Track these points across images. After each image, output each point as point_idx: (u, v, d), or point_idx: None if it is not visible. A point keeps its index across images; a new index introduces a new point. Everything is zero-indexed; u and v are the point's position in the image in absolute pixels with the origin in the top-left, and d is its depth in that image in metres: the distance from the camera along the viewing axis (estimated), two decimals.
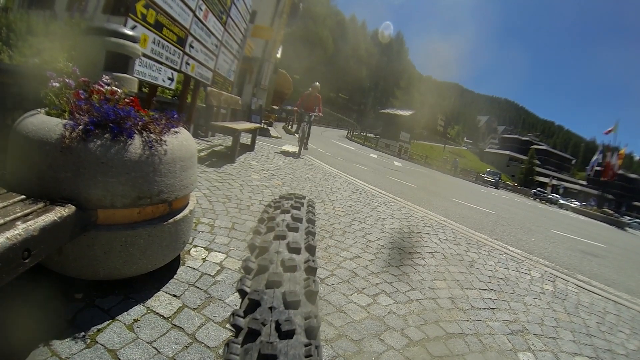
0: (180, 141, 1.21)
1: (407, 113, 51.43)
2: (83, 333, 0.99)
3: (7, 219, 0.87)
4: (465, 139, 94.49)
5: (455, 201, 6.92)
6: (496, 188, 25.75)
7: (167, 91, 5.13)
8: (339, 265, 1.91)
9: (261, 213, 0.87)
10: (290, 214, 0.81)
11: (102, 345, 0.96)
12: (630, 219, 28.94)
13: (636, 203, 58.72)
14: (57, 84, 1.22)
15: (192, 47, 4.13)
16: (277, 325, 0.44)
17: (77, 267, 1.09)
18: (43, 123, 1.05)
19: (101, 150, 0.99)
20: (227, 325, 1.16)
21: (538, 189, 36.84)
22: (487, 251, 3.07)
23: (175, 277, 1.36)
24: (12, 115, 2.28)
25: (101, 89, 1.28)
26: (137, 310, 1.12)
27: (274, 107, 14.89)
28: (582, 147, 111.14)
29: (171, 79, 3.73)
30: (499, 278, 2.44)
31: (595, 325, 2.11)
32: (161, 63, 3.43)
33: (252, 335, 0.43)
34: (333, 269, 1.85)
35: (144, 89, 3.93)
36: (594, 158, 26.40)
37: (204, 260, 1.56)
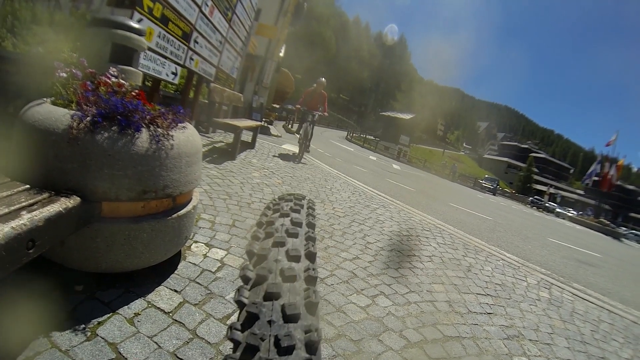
0: (187, 136, 1.21)
1: (407, 116, 51.53)
2: (83, 325, 0.99)
3: (12, 208, 0.87)
4: (464, 145, 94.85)
5: (453, 206, 6.95)
6: (494, 194, 25.88)
7: (170, 86, 5.12)
8: (339, 266, 1.92)
9: (260, 216, 0.85)
10: (289, 218, 0.79)
11: (103, 338, 0.96)
12: (626, 230, 29.19)
13: (633, 214, 59.21)
14: (65, 75, 1.21)
15: (197, 43, 4.13)
16: (277, 341, 0.42)
17: (79, 258, 1.08)
18: (50, 113, 1.05)
19: (108, 142, 0.99)
20: (228, 322, 1.16)
21: (535, 197, 37.07)
22: (485, 257, 3.09)
23: (176, 272, 1.36)
24: (14, 104, 2.27)
25: (108, 81, 1.27)
26: (137, 304, 1.12)
27: (275, 105, 14.88)
28: (580, 156, 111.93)
29: (175, 74, 3.72)
30: (496, 283, 2.45)
31: (590, 333, 2.13)
32: (165, 57, 3.43)
33: (251, 350, 0.42)
34: (333, 269, 1.86)
35: (146, 83, 3.91)
36: (592, 168, 26.56)
37: (205, 256, 1.56)
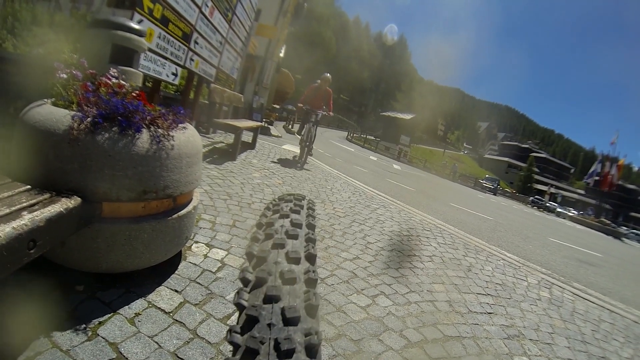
0: (187, 137, 1.22)
1: (407, 116, 51.57)
2: (84, 325, 0.99)
3: (13, 208, 0.87)
4: (465, 145, 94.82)
5: (453, 206, 6.95)
6: (494, 194, 25.86)
7: (170, 86, 5.12)
8: (339, 266, 1.92)
9: (259, 217, 0.85)
10: (289, 219, 0.79)
11: (104, 338, 0.97)
12: (627, 230, 29.16)
13: (633, 214, 59.12)
14: (65, 75, 1.22)
15: (197, 44, 4.13)
16: (276, 344, 0.42)
17: (80, 259, 1.09)
18: (50, 114, 1.05)
19: (109, 143, 0.99)
20: (229, 322, 1.16)
21: (536, 196, 37.07)
22: (485, 256, 3.08)
23: (176, 272, 1.36)
24: (14, 104, 2.27)
25: (108, 81, 1.28)
26: (138, 304, 1.12)
27: (275, 106, 14.90)
28: (581, 156, 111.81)
29: (175, 75, 3.73)
30: (496, 283, 2.45)
31: (590, 333, 2.13)
32: (166, 58, 3.43)
33: (250, 354, 0.42)
34: (333, 269, 1.86)
35: (147, 83, 3.92)
36: (593, 168, 26.48)
37: (205, 256, 1.56)
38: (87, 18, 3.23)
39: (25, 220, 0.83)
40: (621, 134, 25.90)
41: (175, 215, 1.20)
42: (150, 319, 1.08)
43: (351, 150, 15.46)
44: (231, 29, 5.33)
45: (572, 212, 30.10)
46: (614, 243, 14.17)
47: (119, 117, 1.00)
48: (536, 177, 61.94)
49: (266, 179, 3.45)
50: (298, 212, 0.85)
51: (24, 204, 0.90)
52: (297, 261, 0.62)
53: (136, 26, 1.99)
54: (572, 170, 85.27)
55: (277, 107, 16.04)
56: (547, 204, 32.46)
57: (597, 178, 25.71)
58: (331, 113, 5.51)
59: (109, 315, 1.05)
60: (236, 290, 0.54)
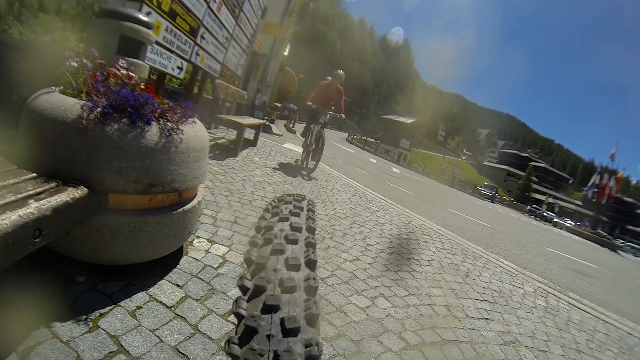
0: (195, 132, 1.21)
1: (408, 120, 51.65)
2: (85, 317, 0.99)
3: (19, 196, 0.86)
4: (464, 151, 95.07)
5: (452, 212, 6.97)
6: (492, 202, 25.96)
7: (174, 80, 5.11)
8: (339, 267, 1.92)
9: (258, 219, 0.83)
10: (289, 222, 0.77)
11: (104, 330, 0.96)
12: (622, 242, 29.33)
13: (630, 227, 59.47)
14: (75, 64, 1.21)
15: (204, 38, 4.13)
16: (276, 356, 0.41)
17: (83, 249, 1.08)
18: (59, 102, 1.05)
19: (118, 134, 0.99)
20: (230, 318, 1.16)
21: (534, 205, 37.24)
22: (483, 263, 3.10)
23: (178, 266, 1.36)
24: (18, 92, 2.25)
25: (117, 72, 1.27)
26: (139, 297, 1.12)
27: (277, 104, 14.88)
28: (580, 167, 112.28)
29: (180, 68, 3.72)
30: (493, 290, 2.46)
31: (585, 342, 2.14)
32: (172, 52, 3.42)
33: None
34: (333, 269, 1.86)
35: (152, 76, 3.91)
36: (592, 180, 26.61)
37: (207, 252, 1.56)
38: (94, 7, 3.21)
39: (32, 208, 0.82)
40: (620, 147, 26.08)
41: (180, 210, 1.19)
42: (151, 312, 1.07)
43: (351, 152, 15.47)
44: (238, 26, 5.32)
45: (569, 223, 30.28)
46: (610, 255, 14.26)
47: (129, 109, 1.00)
48: (534, 186, 62.16)
49: (267, 177, 3.45)
50: (298, 215, 0.83)
51: (30, 192, 0.90)
52: (296, 268, 0.61)
53: (145, 18, 1.99)
54: (571, 181, 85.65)
55: (279, 105, 16.02)
56: (545, 214, 32.59)
57: (596, 190, 25.86)
58: (342, 115, 4.89)
59: (110, 307, 1.05)
60: (235, 299, 0.53)
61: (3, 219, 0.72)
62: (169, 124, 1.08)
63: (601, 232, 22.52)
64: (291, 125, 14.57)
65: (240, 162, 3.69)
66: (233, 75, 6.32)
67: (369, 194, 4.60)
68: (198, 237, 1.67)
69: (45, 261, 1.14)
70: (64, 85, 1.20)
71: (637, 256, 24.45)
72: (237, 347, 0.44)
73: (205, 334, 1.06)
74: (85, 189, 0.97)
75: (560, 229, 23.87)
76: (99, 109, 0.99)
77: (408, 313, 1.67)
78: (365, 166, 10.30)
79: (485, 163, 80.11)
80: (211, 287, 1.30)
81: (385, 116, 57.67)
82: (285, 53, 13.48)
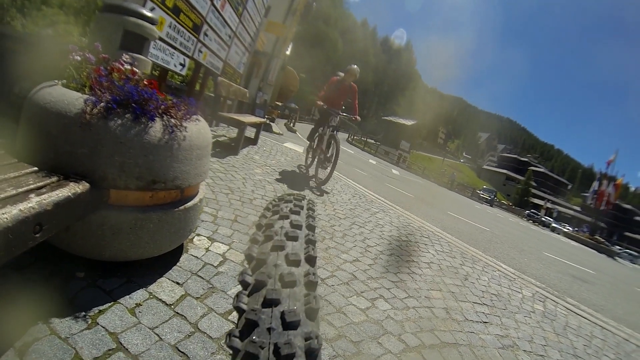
0: (199, 129, 1.20)
1: (409, 122, 51.74)
2: (84, 313, 0.97)
3: (20, 190, 0.85)
4: (464, 154, 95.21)
5: (451, 215, 6.97)
6: (491, 205, 25.99)
7: (176, 76, 5.09)
8: (339, 267, 1.91)
9: (259, 218, 0.84)
10: (289, 220, 0.78)
11: (103, 327, 0.95)
12: (620, 249, 29.40)
13: (628, 233, 59.65)
14: (79, 58, 1.20)
15: (207, 36, 4.11)
16: (276, 349, 0.42)
17: (83, 245, 1.07)
18: (62, 95, 1.04)
19: (121, 130, 0.98)
20: (230, 317, 1.15)
21: (532, 210, 37.32)
22: (481, 266, 3.09)
23: (178, 264, 1.35)
24: (20, 85, 2.24)
25: (121, 67, 1.26)
26: (139, 295, 1.11)
27: (277, 103, 14.87)
28: (579, 173, 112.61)
29: (183, 65, 3.71)
30: (492, 293, 2.46)
31: (582, 348, 2.14)
32: (175, 48, 3.41)
33: (250, 358, 0.41)
34: (333, 270, 1.85)
35: (154, 72, 3.89)
36: (593, 186, 26.65)
37: (207, 250, 1.55)
38: (98, 1, 3.20)
39: (33, 203, 0.81)
40: (620, 154, 26.13)
41: (182, 207, 1.19)
42: (151, 310, 1.06)
43: (351, 153, 15.47)
44: (241, 24, 5.31)
45: (567, 228, 30.32)
46: (607, 261, 14.28)
47: (133, 104, 0.99)
48: (533, 191, 62.30)
49: (268, 176, 3.44)
50: (298, 213, 0.84)
51: (31, 186, 0.89)
52: (297, 263, 0.61)
53: (149, 13, 1.98)
54: (570, 187, 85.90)
55: (280, 104, 16.01)
56: (543, 219, 32.67)
57: (595, 196, 25.93)
58: (357, 117, 4.16)
59: (110, 304, 1.04)
60: (236, 294, 0.53)
61: (3, 213, 0.71)
62: (172, 120, 1.07)
63: (599, 238, 22.55)
64: (292, 124, 14.57)
65: (240, 160, 3.68)
66: (235, 73, 6.31)
67: (369, 195, 4.59)
68: (198, 234, 1.66)
69: (45, 256, 1.12)
70: (67, 79, 1.19)
71: (634, 263, 24.52)
72: (237, 340, 0.44)
73: (205, 332, 1.05)
74: (87, 184, 0.96)
75: (558, 234, 23.91)
76: (102, 104, 0.98)
77: (407, 315, 1.66)
78: (365, 167, 10.29)
79: (485, 167, 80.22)
80: (211, 286, 1.29)
81: (385, 118, 57.75)
82: (288, 52, 13.47)
